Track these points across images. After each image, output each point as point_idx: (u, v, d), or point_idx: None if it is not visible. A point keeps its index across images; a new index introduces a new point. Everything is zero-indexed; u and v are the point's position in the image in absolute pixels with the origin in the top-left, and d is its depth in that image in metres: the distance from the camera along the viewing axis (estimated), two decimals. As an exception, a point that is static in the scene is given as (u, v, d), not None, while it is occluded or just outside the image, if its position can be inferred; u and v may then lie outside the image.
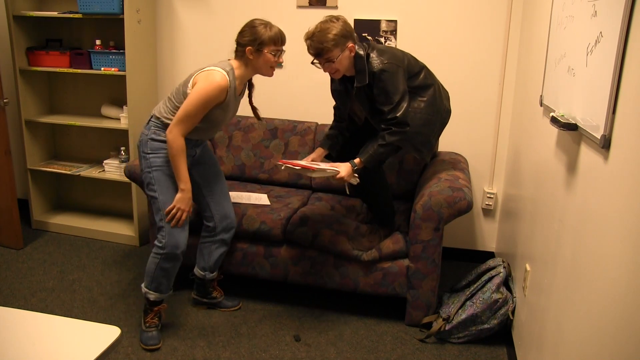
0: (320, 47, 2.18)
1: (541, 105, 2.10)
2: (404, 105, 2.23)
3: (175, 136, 2.14)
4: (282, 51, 2.22)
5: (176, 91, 2.23)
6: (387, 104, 2.22)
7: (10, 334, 1.30)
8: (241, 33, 2.20)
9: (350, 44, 2.21)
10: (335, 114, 2.56)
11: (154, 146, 2.23)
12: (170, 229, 2.24)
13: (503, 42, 2.93)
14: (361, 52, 2.23)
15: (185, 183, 2.20)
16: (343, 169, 2.24)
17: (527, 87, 2.55)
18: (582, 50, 1.49)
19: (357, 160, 2.25)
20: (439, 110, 2.42)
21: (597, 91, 1.33)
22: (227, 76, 2.14)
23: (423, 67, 2.40)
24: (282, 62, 2.26)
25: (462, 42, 2.97)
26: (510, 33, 2.91)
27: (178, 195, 2.22)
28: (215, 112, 2.20)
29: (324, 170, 2.29)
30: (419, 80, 2.35)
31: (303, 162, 2.36)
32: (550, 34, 1.98)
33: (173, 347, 2.32)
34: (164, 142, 2.21)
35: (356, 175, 2.28)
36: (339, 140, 2.55)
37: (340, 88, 2.40)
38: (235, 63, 2.22)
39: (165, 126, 2.21)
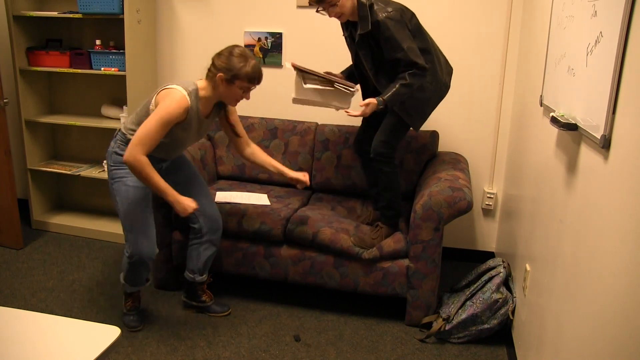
0: None
1: (541, 105, 2.10)
2: (415, 49, 2.26)
3: (135, 158, 2.02)
4: (252, 89, 2.17)
5: (142, 107, 2.21)
6: (397, 50, 2.24)
7: (10, 334, 1.30)
8: (219, 55, 2.15)
9: None
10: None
11: (117, 159, 2.21)
12: (134, 239, 2.24)
13: (503, 42, 2.93)
14: (364, 0, 2.28)
15: (169, 194, 2.11)
16: (371, 109, 2.27)
17: (527, 87, 2.55)
18: (582, 50, 1.49)
19: (381, 98, 2.28)
20: (438, 81, 2.43)
21: (597, 91, 1.34)
22: (187, 97, 2.09)
23: (427, 35, 2.43)
24: (249, 98, 2.20)
25: (462, 42, 2.97)
26: (510, 33, 2.91)
27: (175, 208, 2.16)
28: (176, 131, 2.16)
29: (332, 93, 2.34)
30: (423, 43, 2.36)
31: (318, 72, 2.39)
32: (550, 34, 1.98)
33: (173, 347, 2.32)
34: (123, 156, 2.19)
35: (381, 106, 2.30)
36: (355, 74, 2.60)
37: (347, 35, 2.47)
38: (202, 83, 2.18)
39: (127, 141, 2.16)
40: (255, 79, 2.12)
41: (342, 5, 2.27)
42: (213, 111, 2.29)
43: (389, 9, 2.25)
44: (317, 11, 2.33)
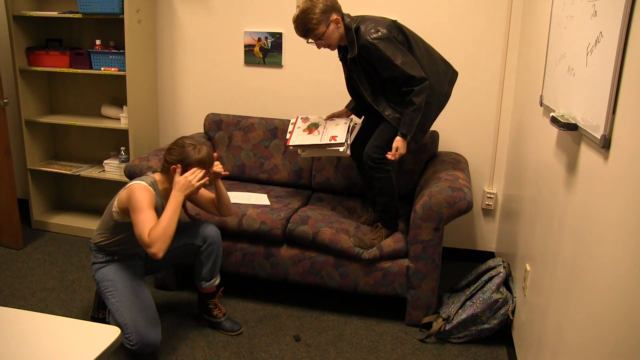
0: (305, 28, 2.29)
1: (541, 105, 2.10)
2: (410, 61, 2.27)
3: (150, 240, 1.96)
4: (208, 173, 2.21)
5: (105, 214, 2.24)
6: (391, 68, 2.26)
7: (10, 334, 1.30)
8: (169, 150, 2.18)
9: (334, 17, 2.29)
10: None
11: (95, 268, 2.25)
12: (134, 324, 2.08)
13: (503, 42, 2.93)
14: (349, 24, 2.30)
15: (176, 205, 2.07)
16: (401, 145, 2.34)
17: (527, 87, 2.55)
18: (582, 50, 1.49)
19: (400, 134, 2.33)
20: (436, 94, 2.43)
21: (597, 91, 1.34)
22: (149, 186, 2.11)
23: (423, 46, 2.42)
24: (208, 182, 2.23)
25: (462, 42, 2.97)
26: (510, 33, 2.91)
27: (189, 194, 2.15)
28: None
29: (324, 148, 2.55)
30: (416, 57, 2.36)
31: (311, 140, 2.61)
32: (550, 34, 1.98)
33: (173, 347, 2.32)
34: (100, 262, 2.23)
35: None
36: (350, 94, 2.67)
37: (340, 56, 2.51)
38: (159, 177, 2.22)
39: (99, 248, 2.23)
40: (206, 162, 2.17)
41: (327, 37, 2.31)
42: None
43: (375, 29, 2.26)
44: (308, 42, 2.37)
